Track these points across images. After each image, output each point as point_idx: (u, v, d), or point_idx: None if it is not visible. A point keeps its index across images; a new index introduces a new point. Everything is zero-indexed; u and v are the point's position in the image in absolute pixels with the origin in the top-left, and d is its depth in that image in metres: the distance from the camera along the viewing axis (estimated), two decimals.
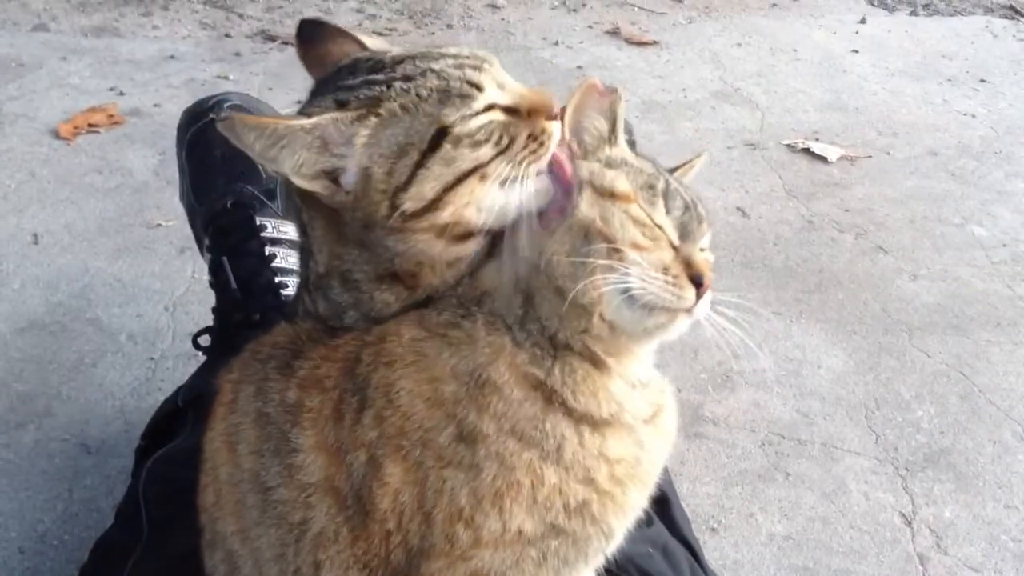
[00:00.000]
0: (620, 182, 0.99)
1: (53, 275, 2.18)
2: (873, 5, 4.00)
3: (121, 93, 2.87)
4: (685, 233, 0.99)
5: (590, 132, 1.03)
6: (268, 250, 1.66)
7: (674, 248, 0.98)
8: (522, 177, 0.97)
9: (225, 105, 1.74)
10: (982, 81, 3.46)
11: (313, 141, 0.95)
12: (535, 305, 0.98)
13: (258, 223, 1.67)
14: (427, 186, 0.95)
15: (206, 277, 1.75)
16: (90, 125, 2.70)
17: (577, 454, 0.96)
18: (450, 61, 0.98)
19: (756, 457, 1.89)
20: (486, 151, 0.95)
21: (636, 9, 3.76)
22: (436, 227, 0.96)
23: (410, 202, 0.95)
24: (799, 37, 3.66)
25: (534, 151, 0.98)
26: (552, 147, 0.99)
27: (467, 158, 0.95)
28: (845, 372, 2.11)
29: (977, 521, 1.80)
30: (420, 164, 0.94)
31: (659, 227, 0.97)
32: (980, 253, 2.54)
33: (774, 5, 3.91)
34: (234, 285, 1.65)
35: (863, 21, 3.82)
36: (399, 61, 0.99)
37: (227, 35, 3.28)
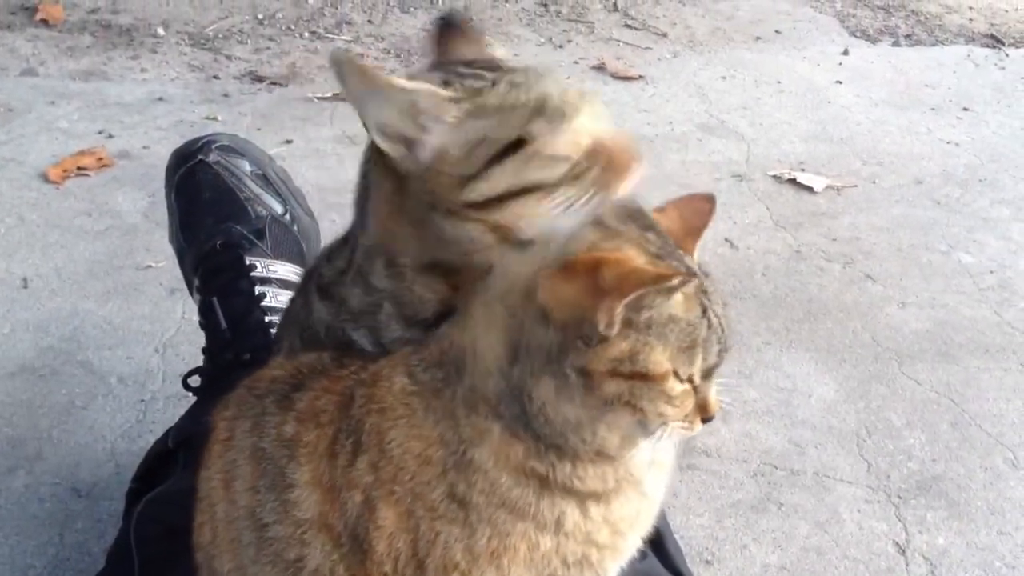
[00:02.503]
0: (655, 360, 0.89)
1: (43, 319, 2.18)
2: (856, 36, 4.03)
3: (110, 136, 2.88)
4: (708, 374, 0.94)
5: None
6: (258, 289, 1.66)
7: (695, 390, 0.94)
8: (580, 208, 0.98)
9: (213, 146, 1.76)
10: (965, 110, 3.49)
11: (405, 103, 0.97)
12: (531, 414, 0.93)
13: (248, 263, 1.68)
14: (493, 183, 0.97)
15: (196, 318, 1.76)
16: (79, 168, 2.70)
17: (579, 524, 0.96)
18: (557, 84, 0.99)
19: (749, 488, 1.89)
20: (555, 172, 0.97)
21: (621, 44, 3.79)
22: (491, 223, 0.98)
23: (474, 193, 0.97)
24: (783, 69, 3.69)
25: (598, 191, 0.98)
26: (616, 194, 0.99)
27: (536, 172, 0.96)
28: (836, 401, 2.11)
29: (971, 548, 1.79)
30: (495, 161, 0.96)
31: (689, 381, 0.92)
32: (967, 280, 2.56)
33: (758, 38, 3.94)
34: (224, 325, 1.65)
35: (846, 52, 3.85)
36: (513, 69, 1.01)
37: (215, 76, 3.30)
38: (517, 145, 0.97)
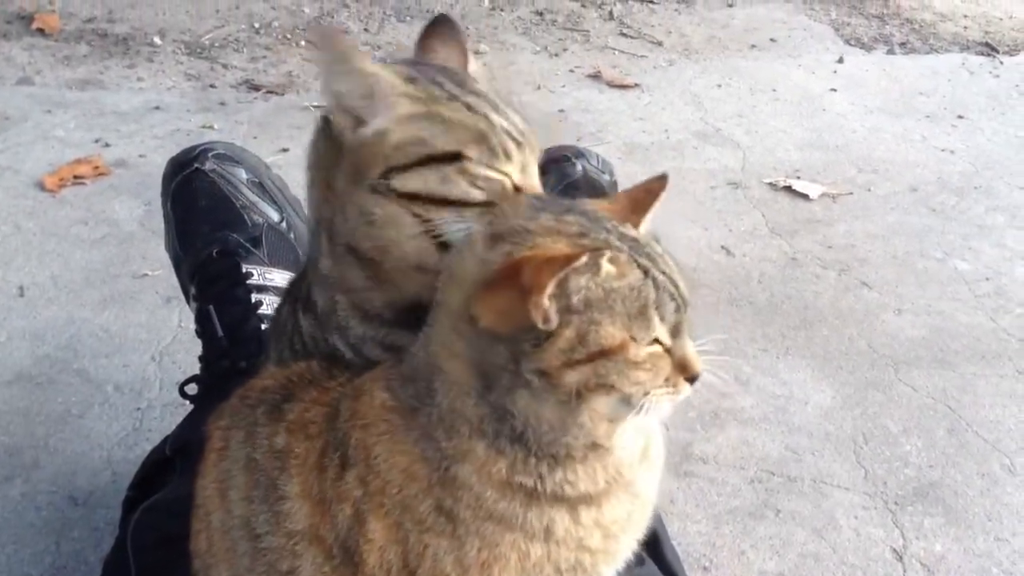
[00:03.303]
0: (606, 334, 0.88)
1: (39, 327, 2.17)
2: (851, 44, 4.04)
3: (106, 144, 2.88)
4: (676, 331, 0.93)
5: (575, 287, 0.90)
6: (255, 297, 1.66)
7: (668, 351, 0.93)
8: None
9: (210, 154, 1.76)
10: (960, 117, 3.50)
11: (367, 85, 1.04)
12: (519, 430, 0.93)
13: (244, 271, 1.68)
14: (417, 181, 1.03)
15: (192, 326, 1.75)
16: (75, 177, 2.70)
17: (570, 530, 0.95)
18: (506, 122, 1.06)
19: (746, 494, 1.89)
20: (476, 194, 1.03)
21: (617, 53, 3.80)
22: (411, 209, 1.04)
23: (398, 182, 1.03)
24: (778, 77, 3.70)
25: None
26: None
27: (459, 189, 1.03)
28: (832, 407, 2.12)
29: (968, 554, 1.80)
30: (423, 162, 1.03)
31: (655, 341, 0.92)
32: (963, 287, 2.56)
33: (753, 46, 3.95)
34: (220, 333, 1.65)
35: (841, 60, 3.86)
36: (476, 92, 1.08)
37: (212, 85, 3.30)
38: (451, 158, 1.03)
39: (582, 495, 0.95)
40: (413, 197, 1.03)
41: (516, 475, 0.93)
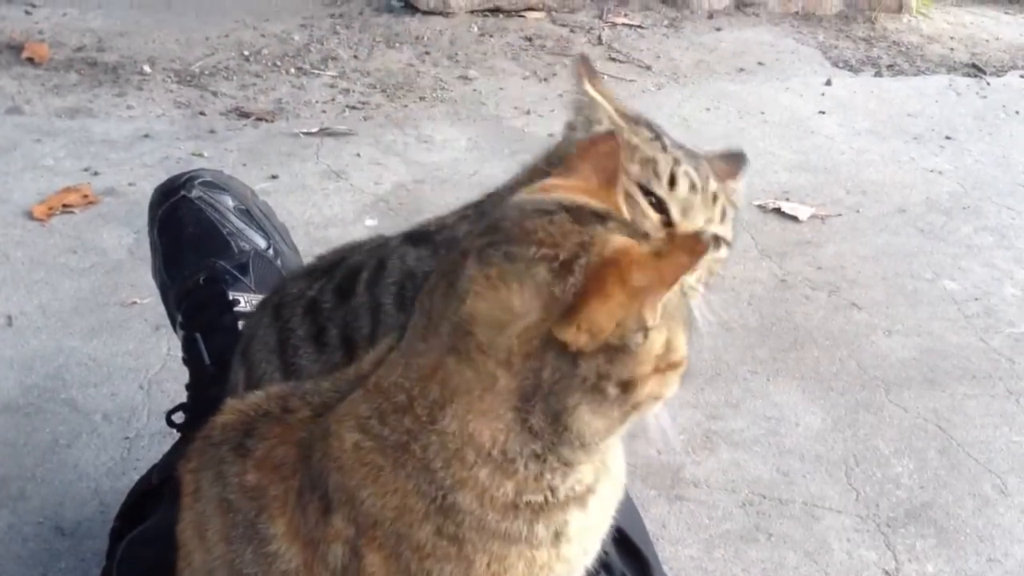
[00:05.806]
0: (680, 343, 0.88)
1: (27, 356, 2.17)
2: (838, 67, 4.06)
3: (96, 173, 2.88)
4: None
5: None
6: (242, 324, 1.65)
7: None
8: None
9: (196, 182, 1.76)
10: (947, 138, 3.51)
11: (590, 104, 1.23)
12: (559, 443, 0.89)
13: (231, 298, 1.67)
14: None
15: (181, 354, 1.75)
16: (64, 206, 2.70)
17: (583, 523, 0.94)
18: (695, 172, 1.21)
19: (738, 518, 1.88)
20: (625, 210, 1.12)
21: (605, 77, 3.81)
22: None
23: None
24: (766, 100, 3.71)
25: None
26: None
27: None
28: (823, 429, 2.11)
29: None
30: None
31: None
32: (952, 307, 2.56)
33: (741, 70, 3.97)
34: (208, 361, 1.65)
35: (829, 83, 3.88)
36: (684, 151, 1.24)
37: (201, 113, 3.31)
38: None
39: (589, 487, 0.94)
40: None
41: (525, 495, 0.90)
